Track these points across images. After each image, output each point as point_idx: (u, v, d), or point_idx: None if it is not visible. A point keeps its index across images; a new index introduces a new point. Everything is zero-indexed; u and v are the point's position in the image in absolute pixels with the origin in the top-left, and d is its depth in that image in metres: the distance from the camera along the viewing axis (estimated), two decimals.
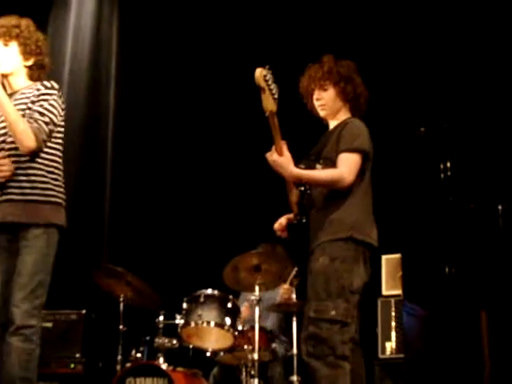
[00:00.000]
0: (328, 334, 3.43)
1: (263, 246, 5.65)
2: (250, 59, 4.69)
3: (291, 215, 3.80)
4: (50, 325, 5.66)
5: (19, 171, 3.63)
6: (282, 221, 3.90)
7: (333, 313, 3.45)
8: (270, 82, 3.38)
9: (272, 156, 3.54)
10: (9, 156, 3.65)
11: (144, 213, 7.00)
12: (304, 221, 3.68)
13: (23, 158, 3.64)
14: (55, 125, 3.71)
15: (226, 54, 7.00)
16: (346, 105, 3.84)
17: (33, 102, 3.68)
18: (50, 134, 3.68)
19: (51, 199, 3.67)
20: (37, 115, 3.64)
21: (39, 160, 3.66)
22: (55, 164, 3.74)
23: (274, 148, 3.54)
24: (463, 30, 6.12)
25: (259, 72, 3.36)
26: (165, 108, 7.25)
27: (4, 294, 3.60)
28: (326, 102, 3.83)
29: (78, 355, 5.59)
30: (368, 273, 3.64)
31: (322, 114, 3.88)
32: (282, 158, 3.52)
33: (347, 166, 3.59)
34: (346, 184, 3.57)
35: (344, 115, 3.83)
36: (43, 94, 3.70)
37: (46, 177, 3.67)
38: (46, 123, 3.64)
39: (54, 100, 3.72)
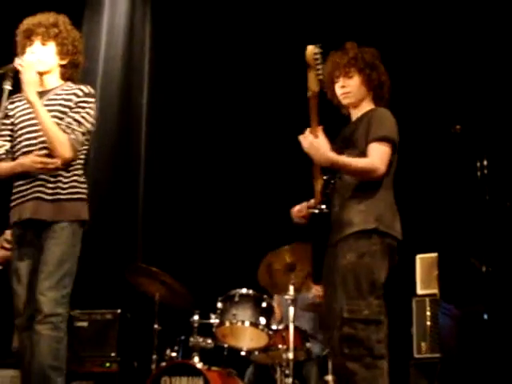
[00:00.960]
0: (364, 335, 3.34)
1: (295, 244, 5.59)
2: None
3: (312, 201, 3.65)
4: (85, 324, 5.72)
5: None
6: (303, 207, 3.75)
7: (366, 312, 3.36)
8: (318, 61, 3.30)
9: (308, 137, 3.41)
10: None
11: (178, 212, 7.00)
12: (326, 211, 3.56)
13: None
14: (90, 133, 3.76)
15: (259, 53, 6.98)
16: (370, 93, 3.73)
17: (70, 108, 3.70)
18: (84, 143, 3.73)
19: (77, 196, 3.70)
20: (75, 125, 3.66)
21: None
22: (79, 166, 3.75)
23: (308, 130, 3.42)
24: (500, 27, 6.05)
25: (311, 49, 3.29)
26: (198, 108, 7.24)
27: (31, 286, 3.59)
28: (352, 90, 3.71)
29: (113, 354, 5.64)
30: (392, 266, 3.50)
31: (345, 101, 3.75)
32: (319, 140, 3.39)
33: (379, 156, 3.48)
34: (379, 174, 3.46)
35: (367, 105, 3.73)
36: (82, 102, 3.72)
37: (71, 176, 3.69)
38: (83, 133, 3.69)
39: (91, 108, 3.74)
